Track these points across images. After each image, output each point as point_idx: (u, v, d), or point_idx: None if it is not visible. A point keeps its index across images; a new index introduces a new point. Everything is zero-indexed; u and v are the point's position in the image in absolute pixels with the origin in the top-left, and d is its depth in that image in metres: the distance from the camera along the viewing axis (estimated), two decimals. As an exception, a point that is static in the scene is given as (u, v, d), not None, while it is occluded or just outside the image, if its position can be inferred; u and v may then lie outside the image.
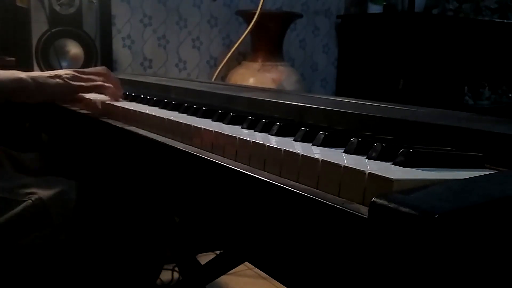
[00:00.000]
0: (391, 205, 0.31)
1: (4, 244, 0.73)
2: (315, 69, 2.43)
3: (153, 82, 1.18)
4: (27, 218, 0.73)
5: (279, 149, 0.46)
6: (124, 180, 0.80)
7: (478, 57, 2.23)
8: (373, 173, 0.37)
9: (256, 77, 1.96)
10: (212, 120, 0.66)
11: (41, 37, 1.46)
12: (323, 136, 0.50)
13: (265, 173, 0.46)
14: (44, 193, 0.76)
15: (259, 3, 1.81)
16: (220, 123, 0.64)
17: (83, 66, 1.52)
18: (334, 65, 2.47)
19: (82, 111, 0.89)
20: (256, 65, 2.00)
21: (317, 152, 0.45)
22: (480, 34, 2.25)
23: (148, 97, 0.86)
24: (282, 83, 1.95)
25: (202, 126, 0.58)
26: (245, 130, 0.59)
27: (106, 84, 0.86)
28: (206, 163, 0.53)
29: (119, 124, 0.75)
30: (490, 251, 0.32)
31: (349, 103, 0.80)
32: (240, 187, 0.48)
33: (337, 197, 0.39)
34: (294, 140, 0.52)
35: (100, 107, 0.85)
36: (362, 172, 0.37)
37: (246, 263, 1.50)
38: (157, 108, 0.79)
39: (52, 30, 1.47)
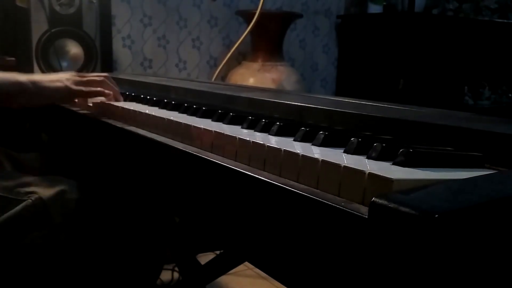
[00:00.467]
0: (391, 205, 0.31)
1: (4, 243, 0.73)
2: (315, 69, 2.43)
3: (153, 82, 1.18)
4: (27, 217, 0.73)
5: (279, 149, 0.46)
6: (124, 180, 0.80)
7: (478, 57, 2.23)
8: (373, 173, 0.37)
9: (256, 77, 1.96)
10: (212, 120, 0.66)
11: (41, 37, 1.46)
12: (323, 136, 0.50)
13: (265, 173, 0.46)
14: (44, 192, 0.76)
15: (259, 3, 1.81)
16: (220, 123, 0.64)
17: (83, 66, 1.52)
18: (334, 65, 2.47)
19: (82, 111, 0.89)
20: (256, 65, 2.00)
21: (317, 152, 0.45)
22: (480, 34, 2.25)
23: (148, 97, 0.86)
24: (282, 83, 1.95)
25: (202, 126, 0.58)
26: (245, 130, 0.59)
27: (106, 91, 0.86)
28: (206, 163, 0.53)
29: (119, 124, 0.75)
30: (490, 251, 0.32)
31: (349, 103, 0.80)
32: (240, 187, 0.48)
33: (337, 197, 0.39)
34: (294, 140, 0.52)
35: (100, 107, 0.85)
36: (362, 172, 0.37)
37: (246, 263, 1.50)
38: (157, 108, 0.79)
39: (52, 30, 1.47)
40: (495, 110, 2.37)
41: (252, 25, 1.86)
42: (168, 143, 0.61)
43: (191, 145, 0.59)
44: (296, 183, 0.43)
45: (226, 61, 1.96)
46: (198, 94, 0.94)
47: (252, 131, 0.58)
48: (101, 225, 0.82)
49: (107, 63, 1.60)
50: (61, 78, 0.86)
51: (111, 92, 0.87)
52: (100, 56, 1.55)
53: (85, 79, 0.87)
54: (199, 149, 0.57)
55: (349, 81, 2.39)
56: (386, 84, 2.12)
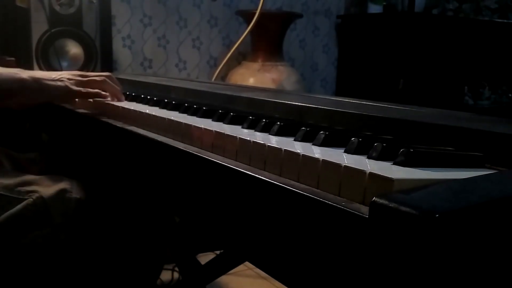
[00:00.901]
0: (392, 204, 0.31)
1: (4, 242, 0.73)
2: (315, 69, 2.43)
3: (153, 82, 1.18)
4: (27, 216, 0.73)
5: (280, 149, 0.46)
6: (125, 180, 0.80)
7: (478, 57, 2.23)
8: (374, 173, 0.37)
9: (256, 77, 1.96)
10: (213, 120, 0.66)
11: (41, 37, 1.46)
12: (323, 136, 0.50)
13: (266, 173, 0.46)
14: (45, 191, 0.76)
15: (259, 3, 1.81)
16: (221, 123, 0.64)
17: (83, 66, 1.52)
18: (334, 65, 2.47)
19: (82, 111, 0.89)
20: (256, 65, 2.00)
21: (317, 152, 0.45)
22: (480, 34, 2.25)
23: (148, 97, 0.86)
24: (282, 83, 1.95)
25: (202, 126, 0.58)
26: (246, 130, 0.59)
27: (103, 93, 0.86)
28: (206, 163, 0.53)
29: (119, 124, 0.75)
30: (490, 251, 0.32)
31: (349, 103, 0.80)
32: (240, 187, 0.48)
33: (337, 197, 0.39)
34: (294, 140, 0.52)
35: (100, 107, 0.85)
36: (362, 172, 0.37)
37: (246, 263, 1.50)
38: (157, 108, 0.79)
39: (52, 30, 1.47)
40: (495, 110, 2.37)
41: (252, 25, 1.86)
42: (168, 143, 0.61)
43: (191, 145, 0.59)
44: (296, 183, 0.43)
45: (226, 61, 1.96)
46: (198, 94, 0.94)
47: (253, 131, 0.58)
48: (102, 224, 0.82)
49: (107, 63, 1.61)
50: (62, 77, 0.86)
51: (107, 94, 0.87)
52: (100, 56, 1.55)
53: (85, 79, 0.87)
54: (200, 149, 0.57)
55: (349, 81, 2.39)
56: (386, 84, 2.12)
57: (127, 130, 0.71)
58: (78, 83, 0.86)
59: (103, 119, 0.79)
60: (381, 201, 0.32)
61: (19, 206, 0.73)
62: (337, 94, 2.46)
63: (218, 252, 1.58)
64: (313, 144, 0.50)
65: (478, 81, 2.36)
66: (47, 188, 0.76)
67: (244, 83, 1.92)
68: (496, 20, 2.46)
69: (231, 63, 2.06)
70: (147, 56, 2.01)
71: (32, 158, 1.02)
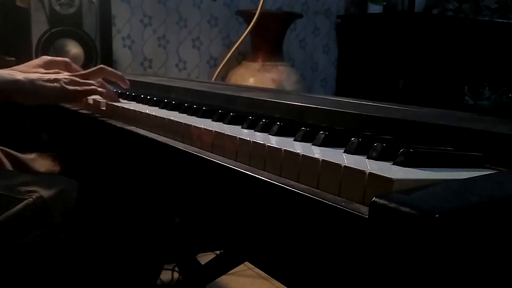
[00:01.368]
0: (392, 205, 0.31)
1: (4, 242, 0.73)
2: (315, 69, 2.43)
3: (153, 82, 1.18)
4: (27, 216, 0.73)
5: (279, 149, 0.46)
6: (125, 180, 0.80)
7: (478, 57, 2.23)
8: (374, 173, 0.37)
9: (256, 77, 1.96)
10: (212, 120, 0.66)
11: (41, 37, 1.46)
12: (323, 136, 0.50)
13: (265, 173, 0.46)
14: (45, 191, 0.76)
15: (259, 3, 1.81)
16: (220, 123, 0.64)
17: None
18: (334, 65, 2.47)
19: (82, 111, 0.89)
20: (256, 65, 2.00)
21: (317, 152, 0.45)
22: (480, 34, 2.25)
23: (148, 97, 0.86)
24: (282, 83, 1.95)
25: (202, 126, 0.58)
26: (245, 130, 0.59)
27: (99, 89, 0.85)
28: (206, 163, 0.53)
29: (119, 124, 0.75)
30: (490, 251, 0.32)
31: (349, 103, 0.80)
32: (240, 187, 0.48)
33: (337, 197, 0.39)
34: (294, 140, 0.52)
35: (100, 107, 0.85)
36: (362, 172, 0.37)
37: (246, 263, 1.50)
38: (157, 108, 0.79)
39: (52, 30, 1.47)
40: (495, 110, 2.37)
41: (252, 25, 1.86)
42: (168, 143, 0.61)
43: (191, 145, 0.59)
44: (296, 183, 0.43)
45: (226, 61, 1.96)
46: (198, 94, 0.94)
47: (253, 131, 0.58)
48: (102, 224, 0.82)
49: (107, 63, 1.60)
50: (58, 77, 0.85)
51: (104, 91, 0.86)
52: (100, 56, 1.55)
53: (82, 80, 0.86)
54: (200, 149, 0.57)
55: (349, 81, 2.39)
56: (386, 84, 2.12)
57: (127, 130, 0.71)
58: (75, 83, 0.85)
59: (103, 119, 0.79)
60: (381, 201, 0.32)
61: (19, 206, 0.73)
62: (337, 94, 2.46)
63: (218, 252, 1.58)
64: (313, 144, 0.50)
65: (478, 81, 2.36)
66: (47, 188, 0.76)
67: (244, 83, 1.92)
68: (496, 20, 2.46)
69: (231, 63, 2.06)
70: (147, 56, 2.01)
71: (32, 158, 1.02)
